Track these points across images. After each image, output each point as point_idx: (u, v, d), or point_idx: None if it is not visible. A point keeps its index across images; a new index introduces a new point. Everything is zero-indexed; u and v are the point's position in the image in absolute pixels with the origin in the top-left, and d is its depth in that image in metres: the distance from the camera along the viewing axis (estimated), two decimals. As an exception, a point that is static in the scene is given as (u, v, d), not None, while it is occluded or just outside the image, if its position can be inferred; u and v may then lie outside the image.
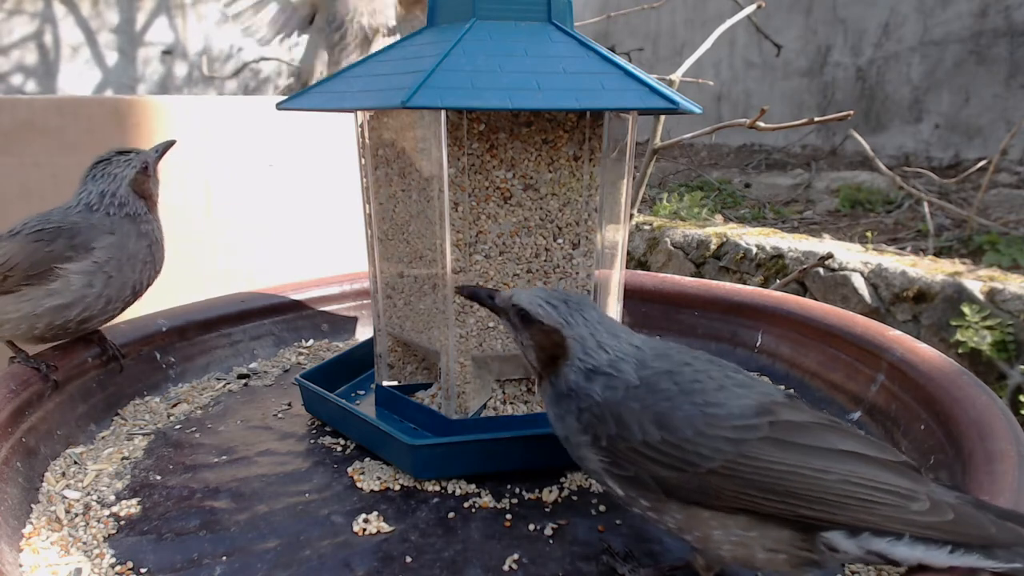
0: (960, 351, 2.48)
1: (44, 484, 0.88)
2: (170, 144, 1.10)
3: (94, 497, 0.86)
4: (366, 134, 1.00)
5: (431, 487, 0.87)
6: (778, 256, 3.17)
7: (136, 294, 1.07)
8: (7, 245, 1.00)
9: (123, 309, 1.07)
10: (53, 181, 1.56)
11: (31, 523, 0.81)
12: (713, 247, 3.45)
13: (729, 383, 0.68)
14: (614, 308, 1.01)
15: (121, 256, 1.02)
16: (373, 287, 1.04)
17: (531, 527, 0.80)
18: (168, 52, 7.40)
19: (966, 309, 2.51)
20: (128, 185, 1.05)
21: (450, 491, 0.86)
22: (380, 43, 2.16)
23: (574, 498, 0.85)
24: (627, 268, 1.06)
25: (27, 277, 0.98)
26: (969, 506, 0.60)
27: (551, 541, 0.78)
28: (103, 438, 1.00)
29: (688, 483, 0.63)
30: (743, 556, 0.64)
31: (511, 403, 0.97)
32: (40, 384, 0.96)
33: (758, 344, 1.18)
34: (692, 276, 2.12)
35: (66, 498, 0.86)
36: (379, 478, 0.88)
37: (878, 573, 0.73)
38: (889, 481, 0.60)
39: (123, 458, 0.95)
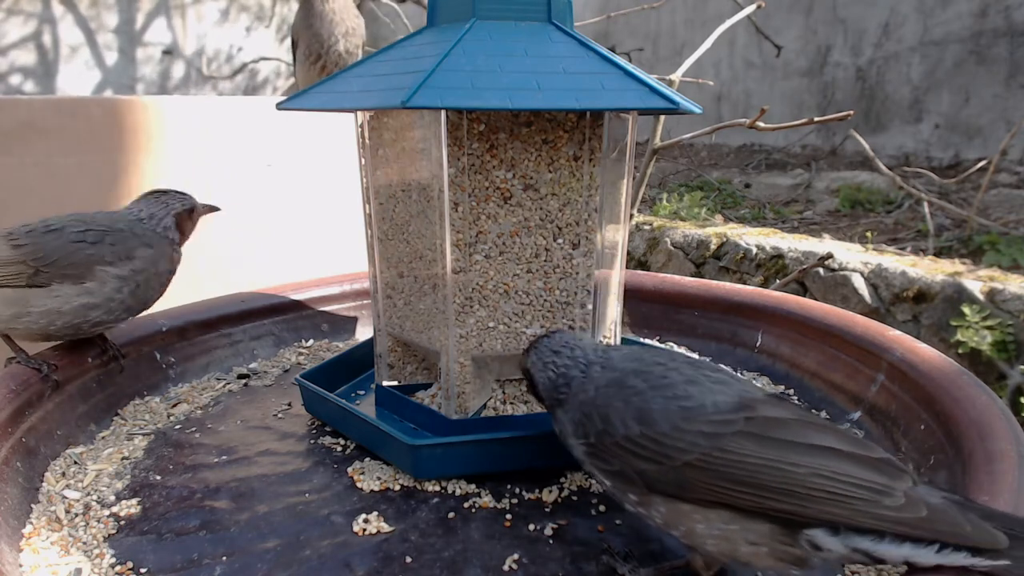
0: (960, 351, 2.48)
1: (44, 484, 0.88)
2: (216, 209, 1.19)
3: (94, 497, 0.86)
4: (366, 134, 1.00)
5: (431, 487, 0.87)
6: (778, 256, 3.17)
7: (143, 310, 1.10)
8: (46, 240, 1.00)
9: (126, 319, 1.09)
10: (53, 181, 1.56)
11: (31, 523, 0.81)
12: (713, 247, 3.45)
13: (704, 380, 0.69)
14: (614, 308, 1.01)
15: (151, 271, 1.06)
16: (373, 287, 1.04)
17: (531, 527, 0.80)
18: (168, 52, 7.40)
19: (966, 309, 2.51)
20: (173, 216, 1.11)
21: (450, 491, 0.86)
22: (357, 57, 2.18)
23: (574, 498, 0.85)
24: (627, 268, 1.06)
25: (62, 275, 0.99)
26: (951, 506, 0.60)
27: (551, 541, 0.78)
28: (103, 438, 1.00)
29: (666, 476, 0.64)
30: (727, 550, 0.65)
31: (511, 403, 0.97)
32: (40, 384, 0.96)
33: (758, 344, 1.18)
34: (692, 276, 2.12)
35: (66, 498, 0.86)
36: (379, 478, 0.88)
37: (878, 574, 0.73)
38: (862, 476, 0.61)
39: (123, 458, 0.95)
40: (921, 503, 0.60)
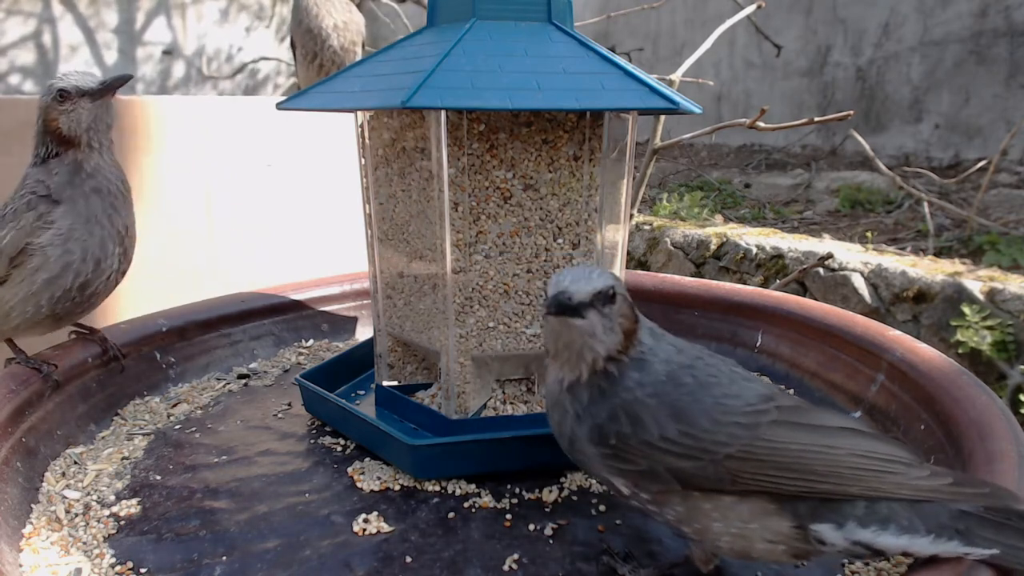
0: (960, 351, 2.48)
1: (44, 484, 0.88)
2: (123, 79, 0.98)
3: (94, 497, 0.86)
4: (366, 134, 1.00)
5: (431, 487, 0.87)
6: (778, 256, 3.17)
7: (123, 240, 1.02)
8: None
9: (125, 258, 1.04)
10: (53, 181, 1.55)
11: (31, 523, 0.81)
12: (713, 247, 3.45)
13: (737, 377, 0.70)
14: (614, 308, 1.01)
15: (78, 221, 0.98)
16: (373, 287, 1.04)
17: (531, 527, 0.80)
18: (168, 52, 7.40)
19: (966, 309, 2.51)
20: (40, 123, 0.97)
21: (450, 491, 0.86)
22: (355, 54, 2.19)
23: (574, 498, 0.85)
24: (627, 268, 1.06)
25: (11, 260, 0.98)
26: (964, 475, 0.65)
27: (551, 541, 0.78)
28: (103, 438, 1.00)
29: (704, 471, 0.64)
30: (741, 547, 0.65)
31: (511, 403, 0.97)
32: (40, 384, 0.96)
33: (758, 344, 1.18)
34: (692, 276, 2.12)
35: (66, 498, 0.86)
36: (379, 478, 0.88)
37: (877, 573, 0.73)
38: (890, 451, 0.64)
39: (123, 458, 0.95)
40: (945, 472, 0.62)
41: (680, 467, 0.64)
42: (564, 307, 0.67)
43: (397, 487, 0.87)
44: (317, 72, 2.18)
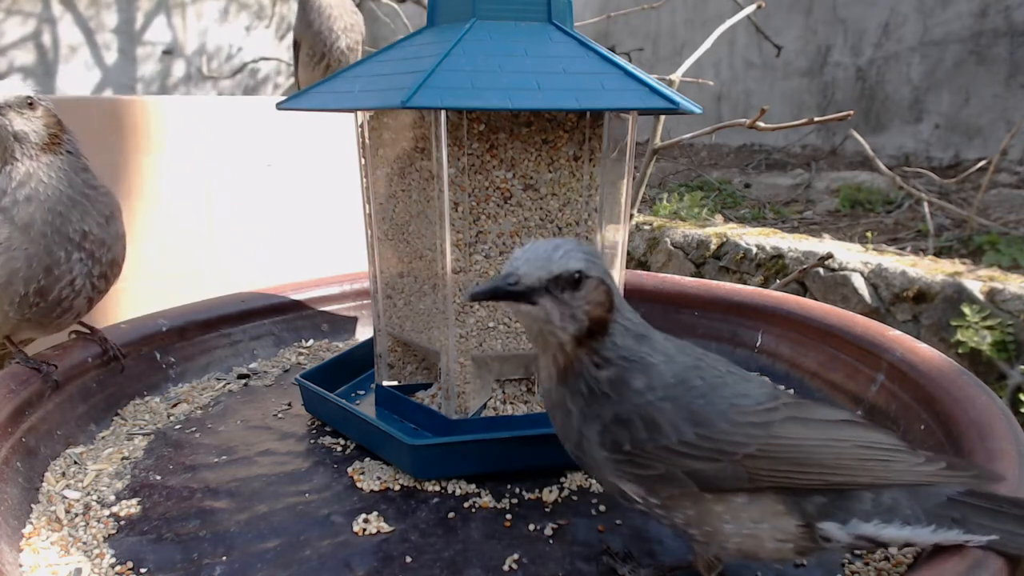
0: (960, 351, 2.48)
1: (44, 484, 0.88)
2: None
3: (94, 497, 0.86)
4: (366, 134, 1.00)
5: (431, 487, 0.87)
6: (778, 256, 3.17)
7: (82, 246, 0.99)
8: None
9: (95, 262, 1.01)
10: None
11: (31, 523, 0.81)
12: (713, 247, 3.45)
13: (738, 377, 0.70)
14: (614, 308, 1.01)
15: (15, 230, 0.96)
16: (373, 287, 1.04)
17: (531, 527, 0.80)
18: (168, 52, 7.40)
19: (966, 309, 2.51)
20: None
21: (450, 491, 0.86)
22: (358, 54, 2.20)
23: (574, 498, 0.85)
24: (627, 268, 1.06)
25: None
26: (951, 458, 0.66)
27: (551, 541, 0.78)
28: (103, 438, 1.00)
29: (724, 471, 0.64)
30: (750, 548, 0.66)
31: (511, 403, 0.97)
32: (40, 384, 0.96)
33: (758, 344, 1.18)
34: (692, 276, 2.12)
35: (66, 498, 0.86)
36: (379, 478, 0.88)
37: (878, 573, 0.73)
38: (889, 440, 0.65)
39: (123, 458, 0.95)
40: (938, 457, 0.64)
41: (699, 469, 0.64)
42: (504, 292, 0.61)
43: (397, 487, 0.87)
44: (322, 73, 2.18)
